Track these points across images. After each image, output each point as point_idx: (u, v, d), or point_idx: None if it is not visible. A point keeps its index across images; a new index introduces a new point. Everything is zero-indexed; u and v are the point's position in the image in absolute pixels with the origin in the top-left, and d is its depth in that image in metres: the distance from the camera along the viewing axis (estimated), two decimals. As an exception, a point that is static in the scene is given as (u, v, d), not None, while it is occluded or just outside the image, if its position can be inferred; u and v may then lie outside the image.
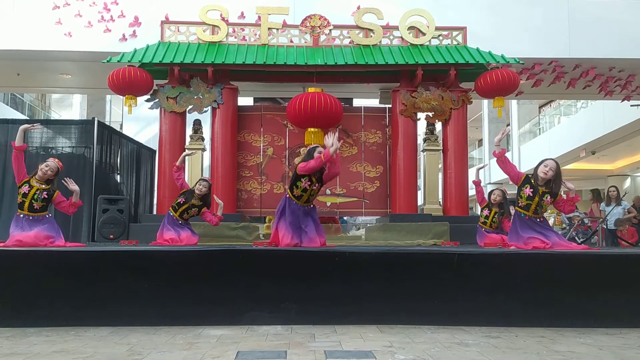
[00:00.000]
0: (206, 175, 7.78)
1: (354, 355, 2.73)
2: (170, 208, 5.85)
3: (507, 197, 6.02)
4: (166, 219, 5.81)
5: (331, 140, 4.54)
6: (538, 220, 4.43)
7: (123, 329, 3.47)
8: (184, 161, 6.03)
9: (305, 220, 4.71)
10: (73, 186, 4.99)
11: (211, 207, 5.85)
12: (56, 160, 4.95)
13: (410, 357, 2.71)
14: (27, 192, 4.64)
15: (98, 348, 2.93)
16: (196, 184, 5.82)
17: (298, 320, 3.61)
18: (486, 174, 17.46)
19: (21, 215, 4.66)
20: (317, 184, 4.71)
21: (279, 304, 3.64)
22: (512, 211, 5.01)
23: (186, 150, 6.41)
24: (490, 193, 6.09)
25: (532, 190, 4.36)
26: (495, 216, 5.90)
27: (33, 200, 4.63)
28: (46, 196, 4.71)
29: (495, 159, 4.59)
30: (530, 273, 3.74)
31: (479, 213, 6.22)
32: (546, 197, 4.36)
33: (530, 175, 4.46)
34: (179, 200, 5.76)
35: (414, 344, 3.04)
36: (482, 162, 19.71)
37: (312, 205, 4.82)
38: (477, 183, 6.17)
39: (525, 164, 16.58)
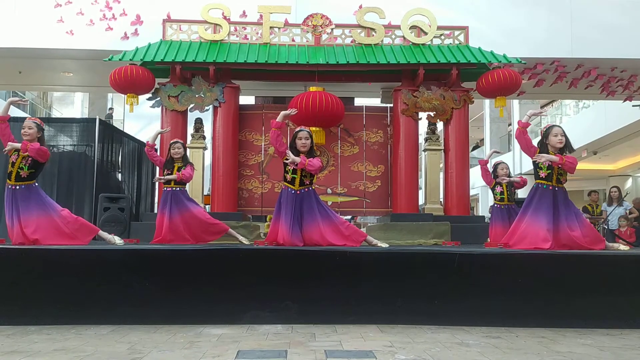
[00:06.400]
0: (207, 174, 7.79)
1: (355, 354, 2.74)
2: (166, 186, 5.52)
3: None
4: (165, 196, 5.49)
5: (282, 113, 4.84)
6: (562, 190, 4.40)
7: (124, 327, 3.47)
8: (156, 139, 5.79)
9: (305, 205, 4.64)
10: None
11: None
12: (32, 118, 4.80)
13: (411, 357, 2.71)
14: (14, 160, 4.51)
15: (99, 346, 2.93)
16: (170, 149, 5.55)
17: (298, 319, 3.61)
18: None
19: (9, 187, 4.53)
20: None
21: (279, 303, 3.65)
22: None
23: (159, 128, 6.06)
24: (495, 169, 6.15)
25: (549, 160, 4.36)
26: (508, 189, 6.05)
27: (19, 169, 4.49)
28: (31, 161, 4.51)
29: (523, 150, 4.60)
30: (531, 273, 3.74)
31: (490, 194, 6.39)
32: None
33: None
34: (167, 173, 5.46)
35: (415, 343, 3.04)
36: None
37: (309, 189, 4.70)
38: (483, 162, 6.25)
39: (527, 164, 16.52)
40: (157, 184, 7.88)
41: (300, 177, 4.65)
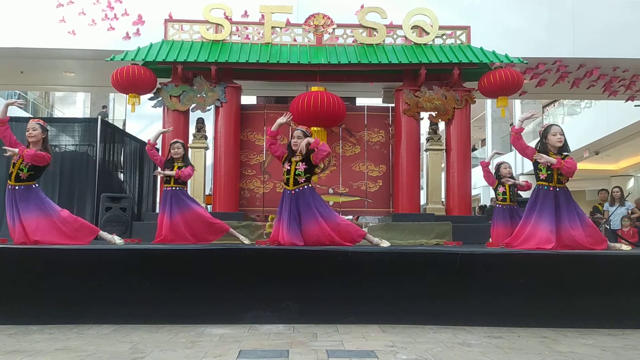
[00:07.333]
0: (209, 173, 7.79)
1: (356, 354, 2.74)
2: (166, 185, 5.54)
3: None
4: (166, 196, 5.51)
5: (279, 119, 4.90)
6: (563, 190, 4.40)
7: (125, 327, 3.48)
8: (157, 138, 5.84)
9: (301, 204, 4.65)
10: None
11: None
12: (35, 119, 4.81)
13: (413, 357, 2.71)
14: (15, 161, 4.54)
15: (100, 346, 2.94)
16: (170, 149, 5.58)
17: (300, 319, 3.61)
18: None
19: (9, 187, 4.55)
20: (301, 164, 4.69)
21: (280, 303, 3.65)
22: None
23: (161, 128, 6.20)
24: (498, 168, 6.17)
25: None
26: (511, 189, 6.05)
27: (19, 170, 4.51)
28: (30, 164, 4.51)
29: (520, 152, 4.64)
30: (533, 273, 3.73)
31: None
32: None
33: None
34: (166, 172, 5.48)
35: (416, 343, 3.04)
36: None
37: (304, 187, 4.70)
38: (485, 164, 6.28)
39: (528, 164, 16.47)
40: (158, 184, 7.90)
41: (293, 176, 4.71)
